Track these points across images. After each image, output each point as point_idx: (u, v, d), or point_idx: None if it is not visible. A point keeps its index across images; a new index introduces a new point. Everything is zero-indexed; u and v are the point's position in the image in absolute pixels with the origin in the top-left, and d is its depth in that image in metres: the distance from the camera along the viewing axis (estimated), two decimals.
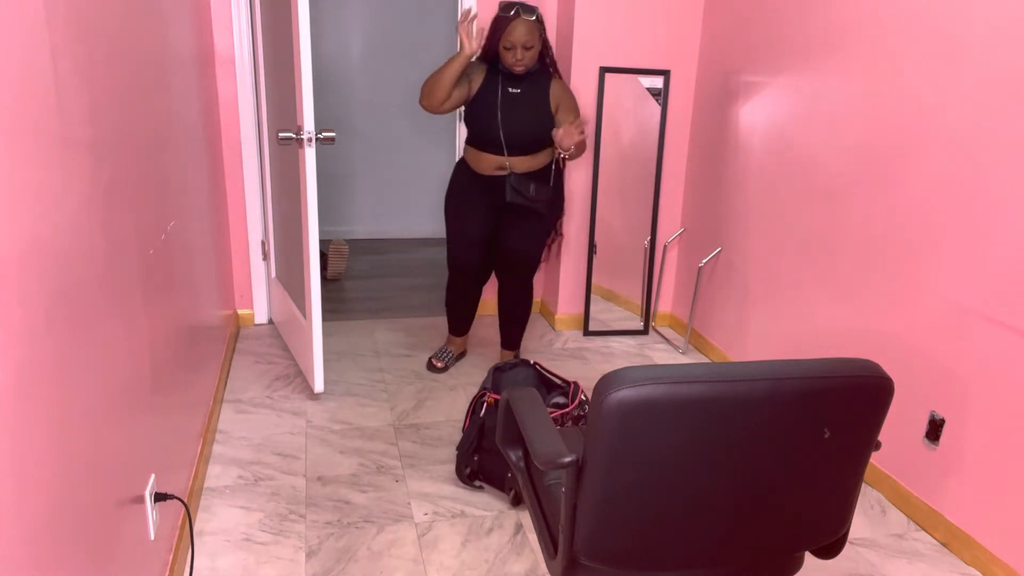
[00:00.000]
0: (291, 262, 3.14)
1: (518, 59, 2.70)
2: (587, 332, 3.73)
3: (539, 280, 4.01)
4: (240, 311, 3.63)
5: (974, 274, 2.07)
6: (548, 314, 3.90)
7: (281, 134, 2.63)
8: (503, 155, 2.82)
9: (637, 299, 3.78)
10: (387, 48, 5.06)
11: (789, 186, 2.89)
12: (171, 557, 1.86)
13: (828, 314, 2.68)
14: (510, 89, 2.80)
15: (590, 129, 3.51)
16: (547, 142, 2.86)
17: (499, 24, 2.74)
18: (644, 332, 3.77)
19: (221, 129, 3.34)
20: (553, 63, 2.87)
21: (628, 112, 3.53)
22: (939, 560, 2.14)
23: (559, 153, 2.81)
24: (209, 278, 2.78)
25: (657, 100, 3.52)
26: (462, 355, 3.33)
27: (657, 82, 3.50)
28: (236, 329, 3.53)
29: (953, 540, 2.17)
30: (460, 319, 3.23)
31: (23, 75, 1.04)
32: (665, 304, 3.90)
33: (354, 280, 4.49)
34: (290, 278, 3.21)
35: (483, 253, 3.02)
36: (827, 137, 2.65)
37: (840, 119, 2.58)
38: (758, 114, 3.07)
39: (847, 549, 2.17)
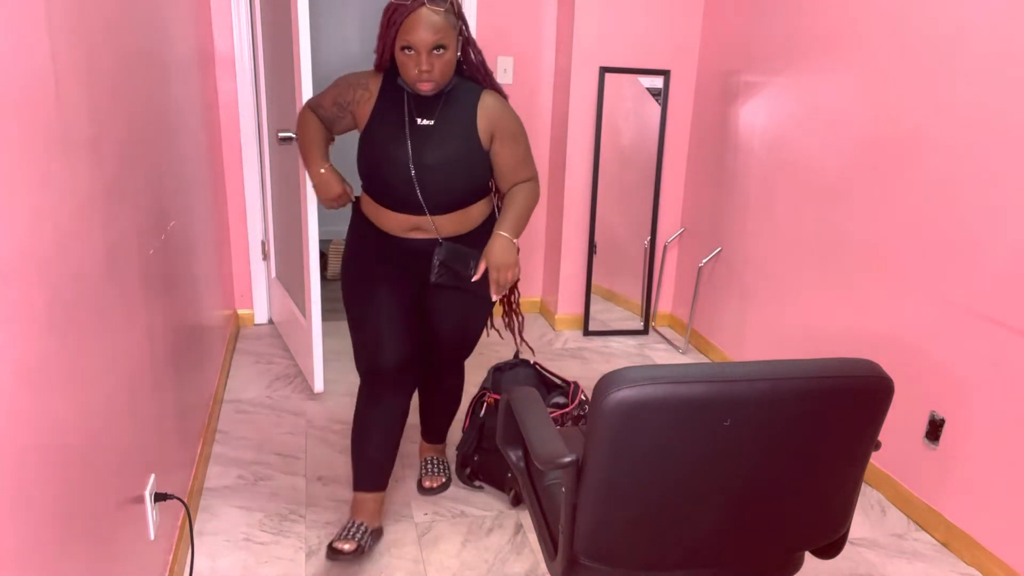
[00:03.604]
0: (291, 262, 3.14)
1: (424, 70, 1.74)
2: (587, 332, 3.74)
3: (539, 280, 4.02)
4: (240, 311, 3.63)
5: (974, 274, 2.07)
6: (548, 314, 3.90)
7: (281, 134, 2.63)
8: (421, 214, 1.89)
9: (637, 299, 3.78)
10: None
11: (789, 186, 2.89)
12: (171, 557, 1.86)
13: (828, 314, 2.68)
14: (419, 120, 1.85)
15: (589, 130, 3.51)
16: (481, 192, 1.95)
17: (394, 17, 1.75)
18: (644, 332, 3.77)
19: (221, 129, 3.34)
20: (483, 69, 1.93)
21: (628, 112, 3.53)
22: (939, 560, 2.14)
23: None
24: (209, 278, 2.78)
25: (657, 100, 3.53)
26: (379, 531, 2.09)
27: (657, 82, 3.50)
28: (236, 329, 3.53)
29: (953, 540, 2.17)
30: (376, 460, 2.05)
31: (23, 75, 1.04)
32: (665, 304, 3.90)
33: None
34: (290, 278, 3.21)
35: (406, 348, 2.00)
36: (827, 137, 2.65)
37: (840, 119, 2.58)
38: (758, 114, 3.07)
39: (847, 549, 2.17)
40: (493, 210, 2.04)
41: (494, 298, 1.92)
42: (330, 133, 2.00)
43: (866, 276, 2.48)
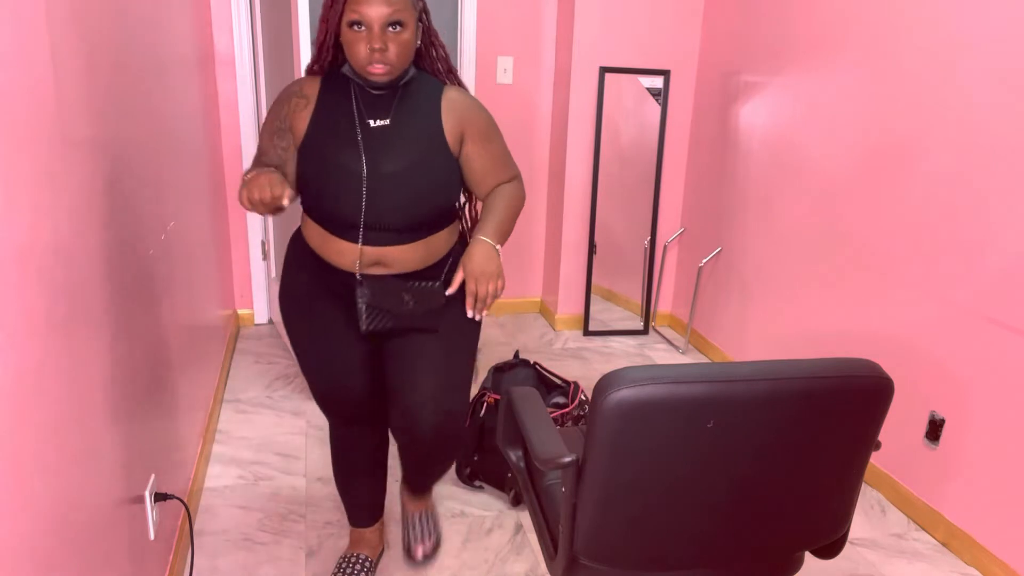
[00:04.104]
0: None
1: (376, 49, 1.44)
2: (587, 332, 3.73)
3: (539, 280, 4.02)
4: (240, 311, 3.63)
5: (974, 274, 2.07)
6: (548, 314, 3.90)
7: None
8: (378, 244, 1.56)
9: (637, 299, 3.78)
10: None
11: (789, 186, 2.89)
12: (171, 557, 1.86)
13: (828, 314, 2.68)
14: (371, 122, 1.54)
15: (589, 130, 3.51)
16: (448, 215, 1.63)
17: None
18: (644, 332, 3.77)
19: (221, 129, 3.34)
20: (445, 63, 1.65)
21: (628, 112, 3.53)
22: (939, 560, 2.14)
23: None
24: (209, 278, 2.78)
25: (657, 100, 3.53)
26: (380, 556, 2.00)
27: (657, 82, 3.50)
28: (236, 329, 3.53)
29: (953, 540, 2.17)
30: (362, 494, 1.91)
31: (23, 75, 1.04)
32: (665, 304, 3.90)
33: None
34: None
35: (365, 382, 1.72)
36: (827, 137, 2.65)
37: (840, 119, 2.58)
38: (758, 114, 3.07)
39: (847, 549, 2.17)
40: (459, 239, 1.72)
41: (470, 314, 1.57)
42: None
43: (866, 276, 2.48)
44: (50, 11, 1.16)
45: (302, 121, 1.56)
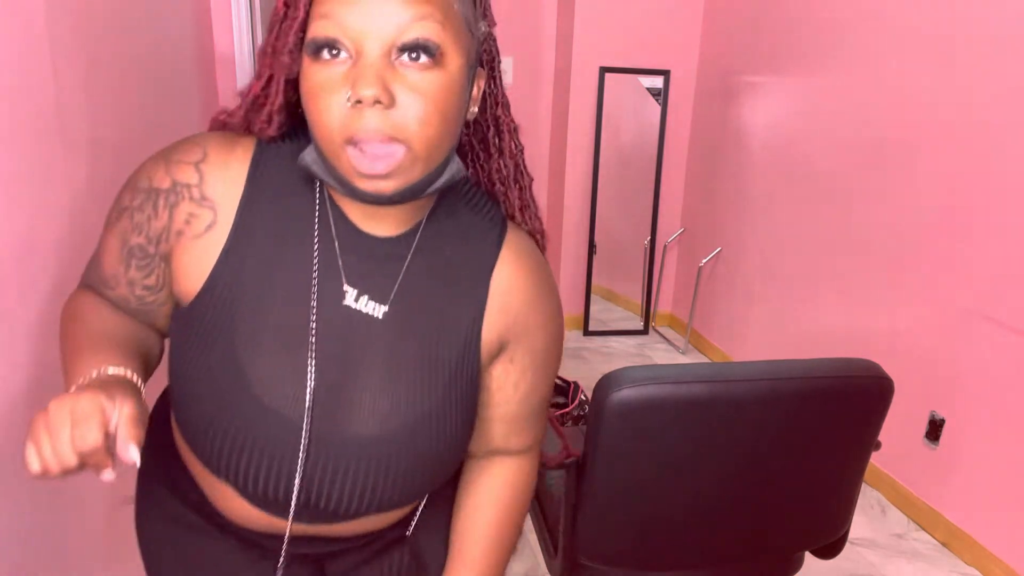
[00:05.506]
0: None
1: (366, 96, 0.60)
2: (587, 332, 3.73)
3: None
4: None
5: (974, 274, 2.07)
6: None
7: None
8: (298, 519, 0.79)
9: (637, 299, 3.78)
10: None
11: (789, 186, 2.88)
12: None
13: (828, 314, 2.68)
14: (349, 292, 0.74)
15: (589, 130, 3.51)
16: (455, 465, 0.85)
17: None
18: (644, 332, 3.77)
19: None
20: (514, 164, 0.82)
21: (628, 112, 3.53)
22: (939, 560, 2.14)
23: None
24: None
25: (657, 100, 3.53)
26: None
27: (657, 82, 3.50)
28: None
29: (953, 540, 2.17)
30: None
31: (23, 75, 1.04)
32: (665, 304, 3.90)
33: None
34: None
35: None
36: (827, 137, 2.65)
37: (840, 119, 2.58)
38: (758, 114, 3.07)
39: (847, 549, 2.17)
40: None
41: None
42: (152, 334, 0.88)
43: (866, 276, 2.48)
44: (50, 11, 1.16)
45: (196, 255, 0.75)
